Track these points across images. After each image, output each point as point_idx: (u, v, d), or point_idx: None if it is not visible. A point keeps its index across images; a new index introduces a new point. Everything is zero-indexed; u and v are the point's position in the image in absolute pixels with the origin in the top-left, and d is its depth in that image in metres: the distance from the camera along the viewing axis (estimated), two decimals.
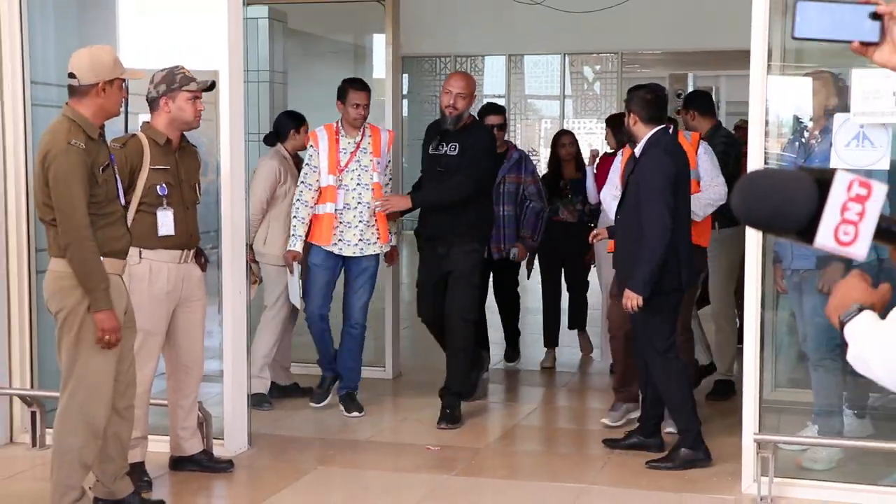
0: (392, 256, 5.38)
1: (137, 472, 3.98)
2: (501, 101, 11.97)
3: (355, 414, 5.19)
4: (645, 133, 4.37)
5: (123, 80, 3.58)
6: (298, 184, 5.13)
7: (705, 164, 4.82)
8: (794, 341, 4.54)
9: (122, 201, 3.69)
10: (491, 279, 5.99)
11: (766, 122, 4.01)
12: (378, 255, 5.18)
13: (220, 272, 4.52)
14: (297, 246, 5.07)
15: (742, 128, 6.82)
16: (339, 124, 5.15)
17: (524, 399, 5.84)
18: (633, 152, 4.64)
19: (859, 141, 3.85)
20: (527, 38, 11.18)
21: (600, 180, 5.59)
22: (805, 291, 4.28)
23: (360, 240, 5.09)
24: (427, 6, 9.72)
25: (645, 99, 4.38)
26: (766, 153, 4.01)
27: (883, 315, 1.36)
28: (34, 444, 4.61)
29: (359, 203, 5.08)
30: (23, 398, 4.66)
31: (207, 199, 4.47)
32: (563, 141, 6.38)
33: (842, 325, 1.38)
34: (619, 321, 4.77)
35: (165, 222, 3.95)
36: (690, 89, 11.54)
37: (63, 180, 3.39)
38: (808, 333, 4.34)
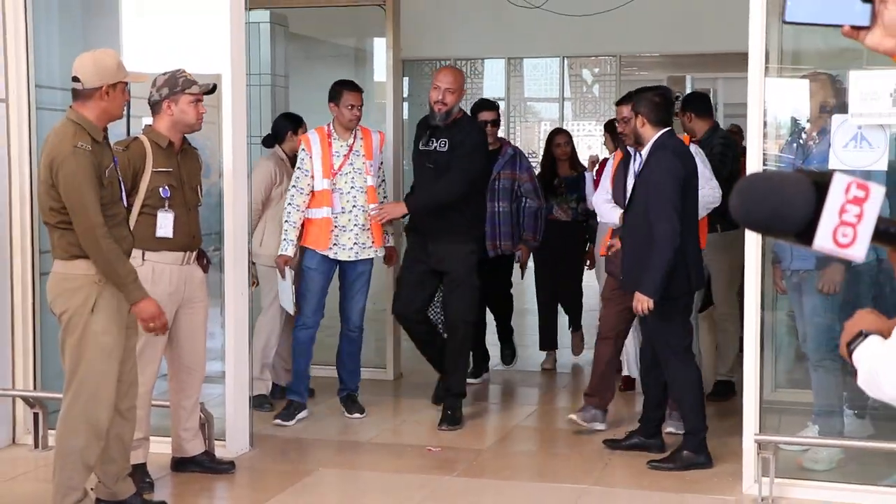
0: (391, 257, 5.36)
1: (139, 473, 3.99)
2: (501, 104, 11.98)
3: (356, 415, 5.21)
4: (652, 135, 4.37)
5: (126, 84, 3.60)
6: (290, 188, 5.06)
7: (697, 166, 4.81)
8: (794, 342, 4.56)
9: (125, 203, 3.72)
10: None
11: (765, 124, 4.03)
12: (373, 259, 5.15)
13: (222, 274, 4.54)
14: (289, 251, 4.99)
15: (735, 132, 6.84)
16: (331, 127, 5.10)
17: (524, 400, 5.85)
18: (632, 154, 4.66)
19: (857, 142, 3.87)
20: (526, 42, 11.20)
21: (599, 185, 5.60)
22: (805, 292, 4.29)
23: (355, 243, 5.04)
24: (427, 10, 9.74)
25: (654, 101, 4.39)
26: (764, 155, 4.03)
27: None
28: (37, 446, 4.62)
29: (354, 206, 5.03)
30: (26, 399, 4.67)
31: (210, 202, 4.49)
32: (558, 140, 6.31)
33: (850, 352, 1.38)
34: (611, 324, 4.76)
35: (165, 224, 3.97)
36: (688, 91, 11.57)
37: (73, 183, 3.41)
38: (807, 334, 4.36)
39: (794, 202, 1.07)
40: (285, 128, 5.44)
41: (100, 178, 3.48)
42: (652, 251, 4.21)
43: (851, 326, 1.40)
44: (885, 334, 1.37)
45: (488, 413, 5.54)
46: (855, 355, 1.36)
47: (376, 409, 5.37)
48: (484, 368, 6.14)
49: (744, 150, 5.74)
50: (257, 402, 5.07)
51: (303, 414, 5.05)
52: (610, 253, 4.69)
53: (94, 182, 3.44)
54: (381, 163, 5.26)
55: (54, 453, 3.62)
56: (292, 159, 5.37)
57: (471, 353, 5.46)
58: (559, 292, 6.40)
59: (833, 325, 4.28)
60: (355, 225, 5.04)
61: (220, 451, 4.45)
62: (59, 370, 3.76)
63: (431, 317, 5.52)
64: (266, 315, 5.32)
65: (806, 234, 1.08)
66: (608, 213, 4.84)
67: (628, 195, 4.69)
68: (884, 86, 3.72)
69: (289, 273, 5.02)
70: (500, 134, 11.83)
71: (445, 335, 5.28)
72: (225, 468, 4.33)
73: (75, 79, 3.53)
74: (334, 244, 5.02)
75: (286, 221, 5.01)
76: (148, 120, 4.13)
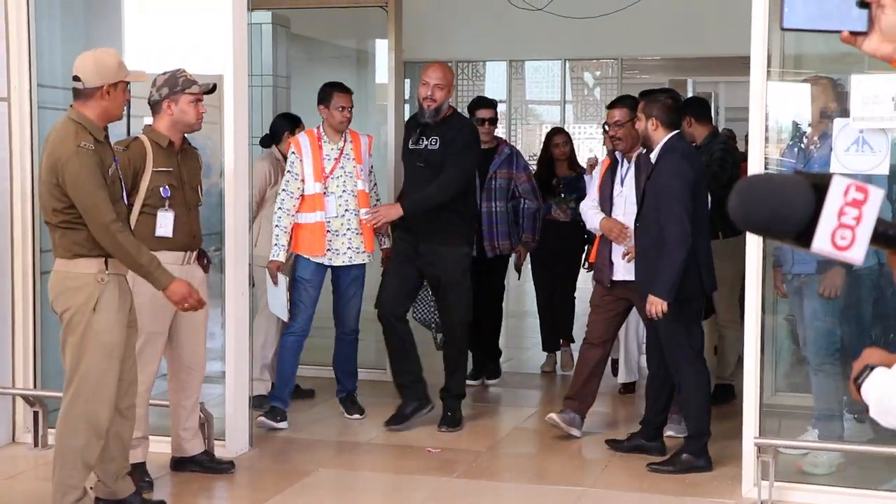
0: (388, 259, 5.29)
1: (139, 472, 3.99)
2: (502, 107, 11.99)
3: (356, 416, 5.21)
4: (662, 138, 4.35)
5: (127, 83, 3.60)
6: (280, 192, 4.96)
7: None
8: (795, 345, 4.56)
9: (126, 203, 3.72)
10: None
11: (766, 128, 4.03)
12: (366, 263, 5.08)
13: (222, 274, 4.54)
14: (281, 256, 4.89)
15: (729, 137, 6.83)
16: (321, 130, 5.04)
17: (524, 402, 5.85)
18: (619, 161, 4.65)
19: (859, 146, 3.87)
20: (528, 44, 11.21)
21: None
22: (805, 296, 4.30)
23: (349, 248, 4.98)
24: (429, 11, 9.75)
25: (667, 104, 4.38)
26: (765, 159, 4.03)
27: None
28: (36, 444, 4.62)
29: (346, 210, 4.96)
30: (25, 398, 4.68)
31: (210, 202, 4.49)
32: (557, 141, 6.21)
33: (858, 388, 1.38)
34: (598, 331, 4.72)
35: (165, 223, 3.98)
36: (689, 95, 11.57)
37: (80, 182, 3.42)
38: (808, 338, 4.36)
39: (793, 203, 1.07)
40: (283, 128, 5.41)
41: (103, 177, 3.48)
42: (663, 254, 4.19)
43: (858, 364, 1.40)
44: (890, 367, 1.37)
45: (488, 415, 5.54)
46: (863, 389, 1.37)
47: (376, 410, 5.36)
48: (484, 370, 6.14)
49: (741, 155, 5.76)
50: (257, 403, 5.07)
51: (283, 425, 4.94)
52: (627, 261, 4.57)
53: (101, 180, 3.46)
54: (372, 167, 5.19)
55: (54, 452, 3.62)
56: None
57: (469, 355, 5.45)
58: (556, 292, 6.34)
59: (833, 330, 4.29)
60: (348, 229, 4.97)
61: (220, 451, 4.45)
62: (59, 369, 3.76)
63: (425, 317, 5.46)
64: (262, 315, 5.30)
65: (805, 236, 1.08)
66: (591, 218, 4.79)
67: (616, 201, 4.67)
68: (886, 89, 3.72)
69: (283, 279, 4.92)
70: (502, 136, 11.80)
71: (438, 337, 5.26)
72: (224, 468, 4.33)
73: (76, 78, 3.53)
74: (328, 249, 4.95)
75: (277, 226, 4.91)
76: (148, 120, 4.14)
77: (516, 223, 5.88)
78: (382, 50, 6.83)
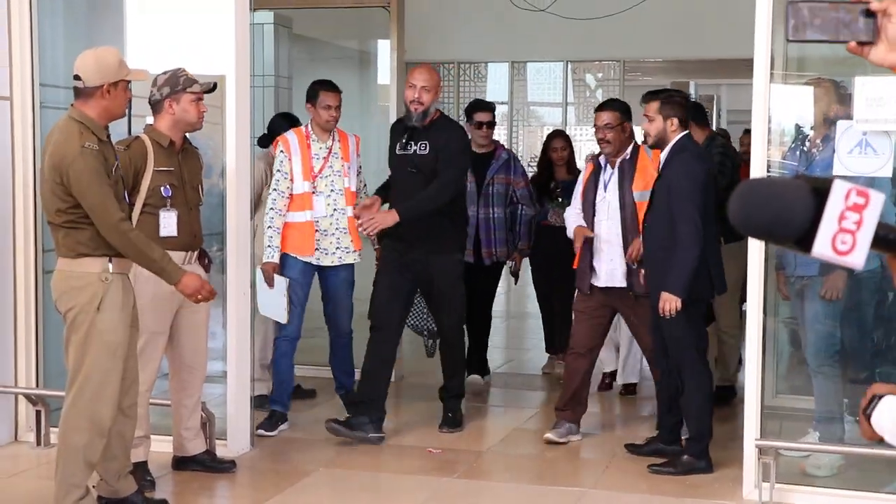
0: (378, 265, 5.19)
1: (140, 471, 4.00)
2: (504, 108, 12.00)
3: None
4: (675, 137, 4.32)
5: (128, 82, 3.60)
6: (270, 191, 4.88)
7: None
8: (797, 348, 4.56)
9: (127, 202, 3.73)
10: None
11: (769, 131, 4.03)
12: (354, 263, 5.01)
13: (224, 274, 4.54)
14: (276, 257, 4.81)
15: (721, 134, 6.82)
16: (310, 129, 4.98)
17: (525, 403, 5.85)
18: (602, 166, 4.62)
19: (862, 148, 3.87)
20: (530, 46, 11.22)
21: None
22: (807, 298, 4.30)
23: (337, 248, 4.92)
24: (431, 12, 9.76)
25: (682, 104, 4.37)
26: (768, 161, 4.03)
27: None
28: (38, 443, 4.62)
29: (335, 210, 4.90)
30: (28, 397, 4.68)
31: (212, 202, 4.49)
32: (555, 145, 6.11)
33: (868, 418, 1.38)
34: (584, 340, 4.70)
35: (168, 223, 3.98)
36: (692, 97, 11.57)
37: (86, 183, 3.42)
38: (808, 339, 4.36)
39: (793, 208, 1.07)
40: (281, 128, 5.37)
41: (108, 176, 3.49)
42: (675, 252, 4.17)
43: (865, 396, 1.41)
44: None
45: (489, 415, 5.54)
46: (874, 418, 1.37)
47: None
48: (485, 371, 6.14)
49: (738, 157, 5.75)
50: (258, 403, 5.07)
51: (284, 426, 4.94)
52: (636, 257, 4.54)
53: (106, 179, 3.46)
54: (360, 167, 5.12)
55: (57, 450, 3.63)
56: None
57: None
58: (554, 296, 6.31)
59: (833, 332, 4.28)
60: (336, 229, 4.91)
61: (222, 451, 4.45)
62: (61, 368, 3.76)
63: (418, 324, 5.44)
64: (261, 316, 5.29)
65: (805, 240, 1.07)
66: (570, 226, 4.77)
67: (599, 207, 4.65)
68: (889, 92, 3.72)
69: (282, 281, 4.84)
70: (504, 137, 11.75)
71: (430, 343, 5.25)
72: (226, 467, 4.33)
73: (77, 77, 3.53)
74: (316, 249, 4.90)
75: (269, 227, 4.83)
76: (149, 119, 4.14)
77: (512, 230, 5.82)
78: (384, 50, 6.84)
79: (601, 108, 4.79)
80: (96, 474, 3.70)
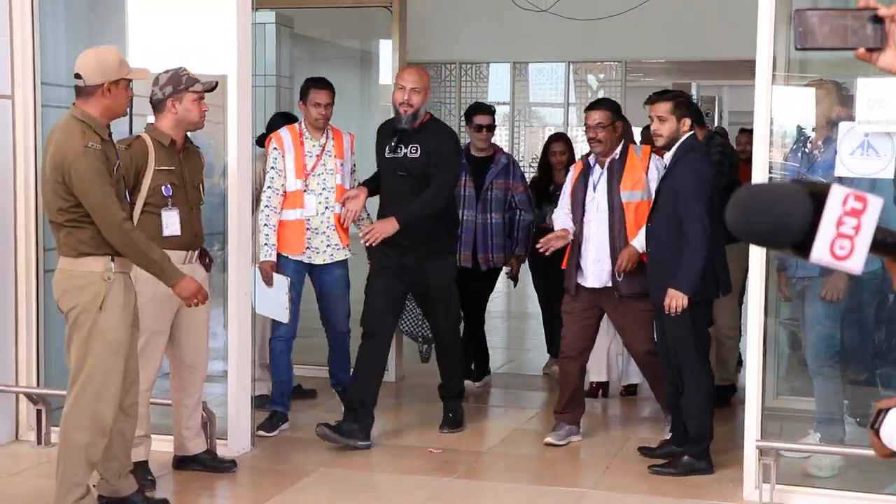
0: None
1: (141, 470, 4.00)
2: (506, 109, 12.00)
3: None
4: (682, 138, 4.31)
5: (129, 81, 3.60)
6: (265, 189, 4.84)
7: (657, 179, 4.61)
8: (798, 349, 4.55)
9: (128, 201, 3.73)
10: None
11: (771, 132, 4.03)
12: (346, 260, 4.98)
13: (224, 273, 4.54)
14: (273, 255, 4.78)
15: (719, 133, 6.81)
16: (303, 126, 4.94)
17: (526, 404, 5.85)
18: (591, 166, 4.61)
19: (864, 149, 3.87)
20: (531, 46, 11.22)
21: None
22: (807, 299, 4.30)
23: (328, 246, 4.89)
24: (433, 12, 9.76)
25: (689, 104, 4.36)
26: (770, 163, 4.03)
27: None
28: (39, 442, 4.63)
29: (326, 208, 4.87)
30: (29, 396, 4.68)
31: (213, 201, 4.49)
32: (555, 149, 6.05)
33: (877, 433, 1.37)
34: (574, 343, 4.70)
35: (171, 222, 3.98)
36: (694, 98, 11.56)
37: (88, 182, 3.42)
38: (808, 340, 4.36)
39: (791, 213, 1.07)
40: (280, 127, 5.39)
41: (110, 175, 3.49)
42: (683, 252, 4.17)
43: (873, 412, 1.40)
44: None
45: (489, 416, 5.54)
46: (882, 432, 1.36)
47: (378, 411, 5.33)
48: (485, 371, 6.14)
49: (736, 156, 5.73)
50: (259, 402, 5.07)
51: (285, 426, 4.94)
52: (626, 268, 4.52)
53: (108, 179, 3.46)
54: (354, 165, 5.08)
55: (58, 449, 3.63)
56: None
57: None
58: (554, 298, 6.27)
59: (833, 333, 4.28)
60: (327, 227, 4.88)
61: (222, 450, 4.45)
62: (62, 367, 3.76)
63: (412, 329, 5.42)
64: (260, 315, 5.28)
65: (803, 246, 1.07)
66: (558, 226, 4.76)
67: (588, 207, 4.63)
68: (891, 93, 3.72)
69: (281, 279, 4.80)
70: (505, 138, 11.73)
71: (424, 348, 5.24)
72: (226, 467, 4.33)
73: (77, 76, 3.54)
74: (307, 247, 4.87)
75: (266, 225, 4.80)
76: (150, 118, 4.14)
77: (511, 235, 5.77)
78: (386, 50, 6.84)
79: (592, 107, 4.74)
80: (97, 473, 3.70)
